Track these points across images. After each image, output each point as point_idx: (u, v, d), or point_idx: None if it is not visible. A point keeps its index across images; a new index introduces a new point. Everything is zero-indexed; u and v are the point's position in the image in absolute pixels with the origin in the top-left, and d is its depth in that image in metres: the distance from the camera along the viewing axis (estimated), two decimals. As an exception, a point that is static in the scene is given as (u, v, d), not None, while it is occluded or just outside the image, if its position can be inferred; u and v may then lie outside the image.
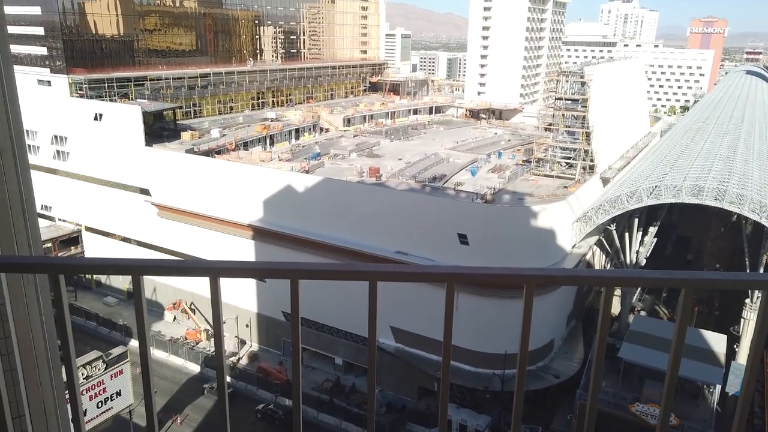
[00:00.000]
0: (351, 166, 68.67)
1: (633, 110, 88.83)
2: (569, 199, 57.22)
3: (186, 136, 72.91)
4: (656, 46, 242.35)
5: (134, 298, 2.61)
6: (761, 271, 55.48)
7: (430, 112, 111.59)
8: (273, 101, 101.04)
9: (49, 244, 73.07)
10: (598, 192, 63.40)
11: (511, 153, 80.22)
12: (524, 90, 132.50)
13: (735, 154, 61.72)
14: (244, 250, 62.51)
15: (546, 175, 67.49)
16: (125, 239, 72.86)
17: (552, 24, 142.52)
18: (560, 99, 67.94)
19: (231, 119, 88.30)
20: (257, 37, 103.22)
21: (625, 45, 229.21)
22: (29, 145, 71.34)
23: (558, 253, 55.30)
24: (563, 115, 67.41)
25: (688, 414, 46.17)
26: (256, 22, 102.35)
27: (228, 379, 58.39)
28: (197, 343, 66.47)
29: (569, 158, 67.58)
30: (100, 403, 44.44)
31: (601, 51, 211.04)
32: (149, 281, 64.32)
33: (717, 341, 51.91)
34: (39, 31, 75.05)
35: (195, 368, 62.53)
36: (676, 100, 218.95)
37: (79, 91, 73.69)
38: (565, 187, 63.06)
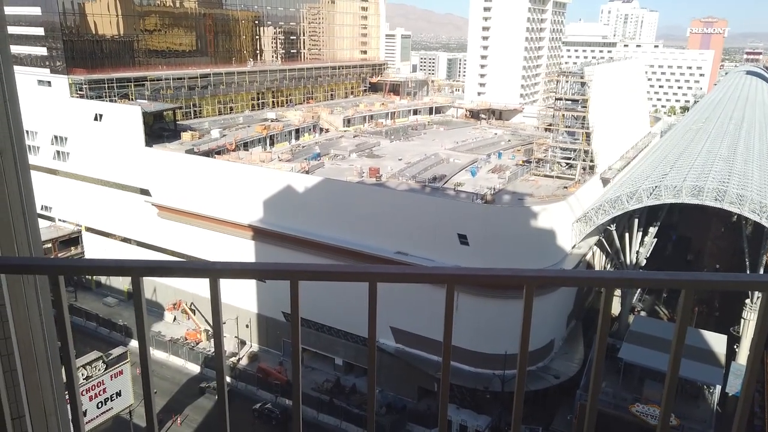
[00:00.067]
0: (351, 166, 68.68)
1: (633, 111, 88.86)
2: (569, 200, 57.22)
3: (186, 136, 72.93)
4: (656, 46, 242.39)
5: (134, 299, 2.61)
6: (761, 271, 55.50)
7: (430, 113, 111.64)
8: (273, 102, 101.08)
9: (49, 245, 73.06)
10: (598, 192, 63.40)
11: (511, 153, 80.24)
12: (524, 90, 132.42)
13: (735, 155, 61.73)
14: (244, 251, 62.52)
15: (546, 176, 67.50)
16: (125, 240, 72.87)
17: (552, 24, 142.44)
18: (560, 99, 67.97)
19: (231, 120, 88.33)
20: (257, 37, 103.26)
21: (625, 45, 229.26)
22: (29, 146, 71.38)
23: (558, 254, 55.30)
24: (563, 115, 67.43)
25: (689, 414, 46.14)
26: (256, 22, 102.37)
27: (228, 379, 58.42)
28: (197, 344, 66.47)
29: (569, 158, 67.59)
30: (100, 404, 44.46)
31: (601, 51, 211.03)
32: (149, 282, 64.29)
33: (717, 342, 51.90)
34: (39, 31, 75.10)
35: (195, 369, 62.53)
36: (676, 101, 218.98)
37: (79, 92, 73.72)
38: (565, 187, 63.08)
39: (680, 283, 2.45)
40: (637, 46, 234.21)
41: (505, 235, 53.03)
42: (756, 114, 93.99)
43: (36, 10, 74.15)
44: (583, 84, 66.36)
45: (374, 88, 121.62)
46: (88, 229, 76.39)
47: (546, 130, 74.99)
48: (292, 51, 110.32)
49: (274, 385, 58.36)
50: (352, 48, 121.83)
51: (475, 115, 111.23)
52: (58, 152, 75.45)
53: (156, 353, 63.99)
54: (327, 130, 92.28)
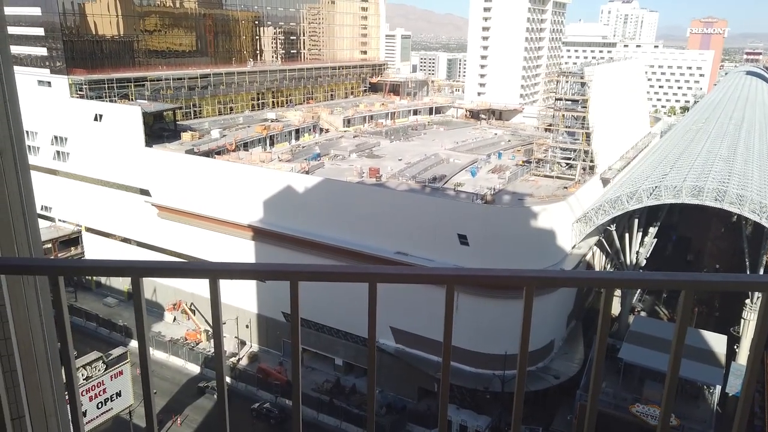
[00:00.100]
0: (351, 166, 68.69)
1: (633, 111, 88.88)
2: (569, 200, 57.23)
3: (186, 136, 72.96)
4: (656, 46, 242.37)
5: (134, 299, 2.61)
6: (761, 271, 55.50)
7: (430, 113, 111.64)
8: (273, 102, 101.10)
9: (49, 245, 73.08)
10: (598, 192, 63.41)
11: (511, 153, 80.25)
12: (524, 90, 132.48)
13: (735, 155, 61.74)
14: (244, 251, 62.51)
15: (546, 176, 67.52)
16: (125, 240, 72.87)
17: (552, 24, 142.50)
18: (560, 99, 67.98)
19: (231, 120, 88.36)
20: (257, 37, 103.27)
21: (625, 45, 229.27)
22: (29, 146, 71.40)
23: (558, 254, 55.30)
24: (563, 115, 67.44)
25: (689, 415, 46.14)
26: (256, 22, 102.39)
27: (228, 380, 58.42)
28: (197, 344, 66.47)
29: (569, 159, 67.60)
30: (100, 404, 44.47)
31: (601, 51, 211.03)
32: (149, 282, 64.29)
33: (717, 342, 51.91)
34: (39, 31, 75.12)
35: (195, 369, 62.53)
36: (676, 101, 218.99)
37: (79, 92, 73.74)
38: (565, 187, 63.08)
39: (680, 284, 2.45)
40: (637, 46, 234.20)
41: (505, 236, 53.03)
42: (756, 114, 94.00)
43: (36, 11, 74.17)
44: (583, 84, 66.38)
45: (374, 88, 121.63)
46: (88, 230, 76.39)
47: (546, 130, 75.01)
48: (292, 51, 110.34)
49: (274, 385, 58.34)
50: (352, 48, 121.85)
51: (475, 115, 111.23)
52: (58, 152, 75.46)
53: (156, 353, 63.98)
54: (327, 131, 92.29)
